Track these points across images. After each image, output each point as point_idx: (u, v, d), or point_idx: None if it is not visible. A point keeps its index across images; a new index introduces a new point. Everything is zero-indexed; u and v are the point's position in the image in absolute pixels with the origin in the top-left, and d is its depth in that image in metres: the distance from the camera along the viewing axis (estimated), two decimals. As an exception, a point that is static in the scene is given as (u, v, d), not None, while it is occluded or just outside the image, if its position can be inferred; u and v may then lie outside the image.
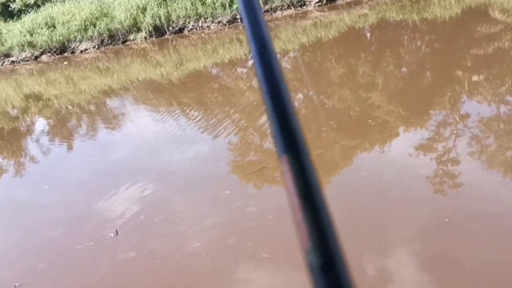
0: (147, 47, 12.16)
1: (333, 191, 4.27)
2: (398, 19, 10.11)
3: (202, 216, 4.26)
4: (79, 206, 5.14)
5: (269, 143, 5.97)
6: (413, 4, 10.56)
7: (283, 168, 0.37)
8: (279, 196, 4.45)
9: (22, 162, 7.49)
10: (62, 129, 8.72)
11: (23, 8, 16.34)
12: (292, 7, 11.55)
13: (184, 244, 3.84)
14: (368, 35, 10.07)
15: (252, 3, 0.47)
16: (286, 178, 0.37)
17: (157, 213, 4.47)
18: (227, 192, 4.66)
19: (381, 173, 4.39)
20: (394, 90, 6.69)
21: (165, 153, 6.24)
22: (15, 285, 3.74)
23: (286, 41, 10.29)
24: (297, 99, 7.27)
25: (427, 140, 4.94)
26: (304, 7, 11.54)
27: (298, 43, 10.05)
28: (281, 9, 11.61)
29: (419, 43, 8.77)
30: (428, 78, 7.07)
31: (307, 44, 9.82)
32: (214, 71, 9.91)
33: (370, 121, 5.68)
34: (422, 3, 10.51)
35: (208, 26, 11.92)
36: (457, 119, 5.28)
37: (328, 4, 11.39)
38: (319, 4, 11.45)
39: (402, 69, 7.61)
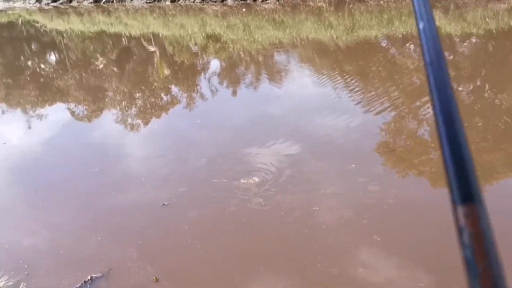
0: (323, 6, 12.24)
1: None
2: None
3: (327, 183, 4.49)
4: (223, 147, 5.65)
5: (422, 130, 5.81)
6: None
7: (460, 216, 0.38)
8: (405, 183, 4.45)
9: (193, 97, 8.44)
10: (231, 73, 9.51)
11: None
12: (488, -14, 10.48)
13: (305, 205, 4.05)
14: None
15: (442, 74, 0.48)
16: (464, 227, 0.38)
17: (289, 170, 4.71)
18: (353, 165, 4.77)
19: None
20: None
21: (316, 117, 6.48)
22: (163, 203, 4.26)
23: (471, 24, 9.46)
24: (469, 90, 6.81)
25: None
26: (503, -12, 10.37)
27: (485, 28, 9.16)
28: (474, -13, 10.63)
29: None
30: None
31: (494, 31, 8.91)
32: (384, 43, 9.66)
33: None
34: None
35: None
36: None
37: (534, -12, 10.04)
38: (522, -13, 10.17)
39: None
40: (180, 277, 3.29)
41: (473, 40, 8.92)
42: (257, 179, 4.62)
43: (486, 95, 6.56)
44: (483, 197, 0.38)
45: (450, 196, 0.39)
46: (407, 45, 9.23)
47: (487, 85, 6.90)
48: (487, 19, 9.48)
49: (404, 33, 9.72)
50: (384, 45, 9.58)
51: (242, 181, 4.62)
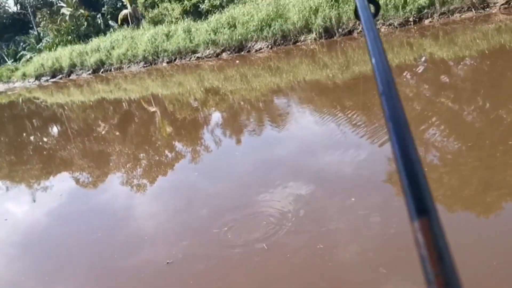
0: (315, 48, 12.47)
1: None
2: None
3: (328, 220, 4.28)
4: (224, 196, 5.43)
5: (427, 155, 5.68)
6: None
7: (415, 231, 0.41)
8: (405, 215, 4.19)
9: (197, 150, 8.41)
10: (233, 123, 9.54)
11: (210, 9, 18.14)
12: (472, 9, 10.63)
13: (310, 244, 3.90)
14: None
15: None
16: (419, 241, 0.41)
17: (290, 211, 4.44)
18: (353, 199, 4.61)
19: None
20: None
21: (321, 155, 6.36)
22: (167, 262, 4.05)
23: (462, 47, 9.55)
24: (469, 111, 6.75)
25: None
26: (487, 9, 10.52)
27: (476, 49, 9.24)
28: (460, 12, 10.78)
29: None
30: None
31: (486, 51, 8.97)
32: (380, 76, 9.72)
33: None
34: None
35: (378, 28, 11.72)
36: None
37: (518, 6, 10.21)
38: (506, 6, 10.31)
39: None
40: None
41: (467, 62, 8.96)
42: (257, 224, 4.44)
43: (488, 113, 6.49)
44: (435, 209, 0.41)
45: (408, 211, 0.42)
46: (403, 74, 9.28)
47: (487, 104, 6.85)
48: (477, 40, 9.58)
49: (398, 63, 9.81)
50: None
51: (242, 227, 4.46)
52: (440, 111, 6.94)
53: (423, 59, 9.88)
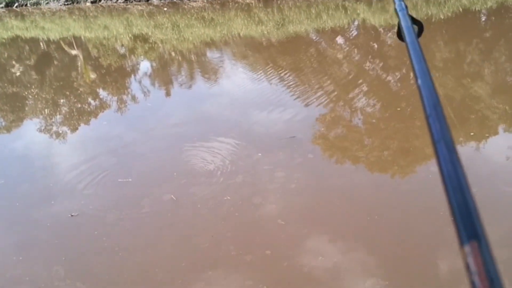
0: (252, 3, 12.21)
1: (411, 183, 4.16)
2: (523, 6, 9.22)
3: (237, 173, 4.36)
4: (142, 146, 5.33)
5: (356, 120, 5.85)
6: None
7: (467, 255, 0.40)
8: (308, 169, 4.38)
9: (123, 100, 8.01)
10: (163, 73, 9.17)
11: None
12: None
13: (217, 195, 4.01)
14: (484, 19, 9.33)
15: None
16: (469, 267, 0.39)
17: (206, 165, 4.49)
18: (259, 154, 4.70)
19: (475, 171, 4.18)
20: (503, 85, 6.23)
21: (245, 112, 6.26)
22: (72, 214, 3.98)
23: (393, 15, 9.79)
24: (394, 78, 7.03)
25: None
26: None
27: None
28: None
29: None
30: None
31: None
32: (314, 37, 9.77)
33: (470, 114, 5.36)
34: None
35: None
36: None
37: (447, -20, 10.60)
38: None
39: (517, 63, 7.02)
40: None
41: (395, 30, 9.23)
42: (166, 175, 4.41)
43: (411, 82, 6.80)
44: (485, 235, 0.40)
45: (458, 236, 0.41)
46: (336, 38, 9.39)
47: (411, 74, 7.17)
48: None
49: (333, 26, 9.89)
50: (314, 39, 9.69)
51: (151, 177, 4.44)
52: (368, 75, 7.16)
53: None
